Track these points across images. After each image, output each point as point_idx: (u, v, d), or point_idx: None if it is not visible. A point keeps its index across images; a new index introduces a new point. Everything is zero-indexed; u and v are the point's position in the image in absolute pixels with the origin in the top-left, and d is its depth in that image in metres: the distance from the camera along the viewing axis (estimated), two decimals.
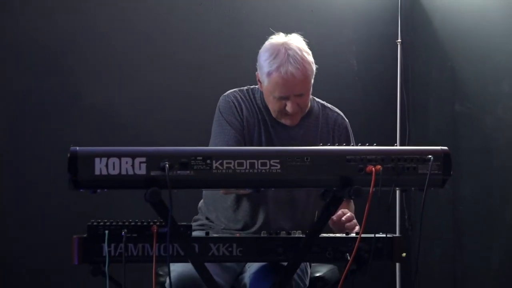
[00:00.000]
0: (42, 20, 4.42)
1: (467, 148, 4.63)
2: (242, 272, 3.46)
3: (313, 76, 3.47)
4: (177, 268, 3.12)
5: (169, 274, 2.97)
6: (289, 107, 3.42)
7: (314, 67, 3.46)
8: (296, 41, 3.46)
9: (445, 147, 2.95)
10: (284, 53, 3.38)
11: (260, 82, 3.50)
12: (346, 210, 3.24)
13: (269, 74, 3.40)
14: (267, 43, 3.48)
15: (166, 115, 4.56)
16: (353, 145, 3.44)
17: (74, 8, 4.47)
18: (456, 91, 4.78)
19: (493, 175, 4.51)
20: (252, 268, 3.36)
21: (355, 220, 3.22)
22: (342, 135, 3.56)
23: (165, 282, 3.28)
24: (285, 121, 3.48)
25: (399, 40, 4.89)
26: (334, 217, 3.16)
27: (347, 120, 3.60)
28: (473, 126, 4.66)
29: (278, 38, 3.47)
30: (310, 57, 3.44)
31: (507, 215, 4.42)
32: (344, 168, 2.85)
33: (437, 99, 4.92)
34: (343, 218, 3.19)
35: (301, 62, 3.38)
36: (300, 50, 3.41)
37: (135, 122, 4.50)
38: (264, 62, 3.43)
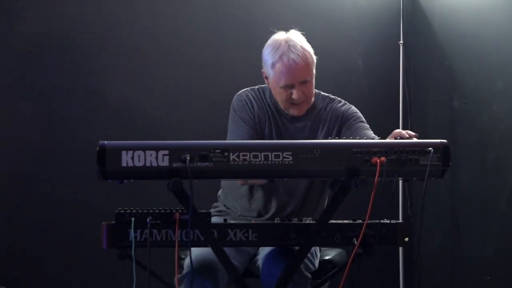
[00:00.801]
0: (70, 22, 4.42)
1: (464, 141, 4.63)
2: (256, 254, 3.47)
3: (314, 66, 3.49)
4: (194, 251, 3.13)
5: (190, 258, 2.98)
6: (295, 95, 3.43)
7: (314, 57, 3.48)
8: (296, 35, 3.49)
9: (444, 140, 2.95)
10: (285, 45, 3.42)
11: (266, 79, 3.52)
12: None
13: (273, 65, 3.42)
14: (269, 40, 3.51)
15: (186, 112, 4.56)
16: (367, 126, 3.48)
17: (100, 13, 4.47)
18: (454, 88, 4.78)
19: (488, 166, 4.51)
20: (265, 251, 3.37)
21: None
22: (351, 119, 3.54)
23: (183, 264, 3.28)
24: (293, 111, 3.49)
25: (401, 41, 4.88)
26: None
27: (353, 107, 3.59)
28: (469, 121, 4.65)
29: (278, 35, 3.50)
30: (309, 48, 3.47)
31: (501, 204, 4.42)
32: (351, 160, 2.86)
33: (436, 96, 4.91)
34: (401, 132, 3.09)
35: (302, 50, 3.41)
36: (299, 41, 3.45)
37: (158, 118, 4.50)
38: (268, 56, 3.46)
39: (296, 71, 3.41)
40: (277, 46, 3.44)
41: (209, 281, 3.21)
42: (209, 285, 3.20)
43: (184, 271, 3.21)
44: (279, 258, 3.25)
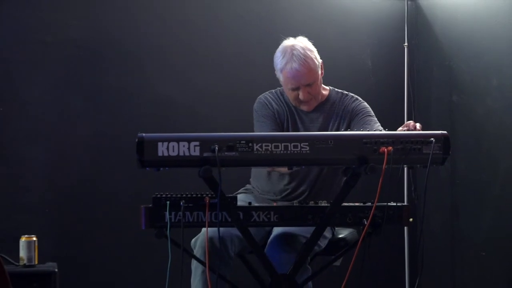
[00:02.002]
0: (109, 29, 4.43)
1: (462, 133, 4.61)
2: (270, 232, 3.49)
3: (319, 68, 3.53)
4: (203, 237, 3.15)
5: (219, 237, 3.00)
6: (301, 96, 3.49)
7: (318, 61, 3.52)
8: (301, 42, 3.54)
9: (445, 132, 2.96)
10: (290, 53, 3.48)
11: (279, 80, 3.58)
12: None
13: (281, 70, 3.50)
14: (279, 46, 3.56)
15: (215, 107, 4.57)
16: (375, 119, 3.48)
17: (134, 20, 4.48)
18: (453, 85, 4.75)
19: (484, 154, 4.49)
20: (272, 233, 3.39)
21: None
22: (360, 113, 3.56)
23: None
24: (303, 107, 3.56)
25: (405, 44, 4.87)
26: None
27: (365, 103, 3.61)
28: (467, 114, 4.63)
29: (287, 41, 3.56)
30: (312, 54, 3.51)
31: (495, 188, 4.40)
32: (361, 149, 2.87)
33: (437, 92, 4.89)
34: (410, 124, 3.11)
35: (304, 59, 3.45)
36: (303, 49, 3.48)
37: (190, 113, 4.51)
38: (276, 62, 3.53)
39: (299, 78, 3.47)
40: (283, 54, 3.51)
41: (221, 248, 3.23)
42: (220, 249, 3.21)
43: (199, 240, 3.23)
44: (281, 245, 3.30)
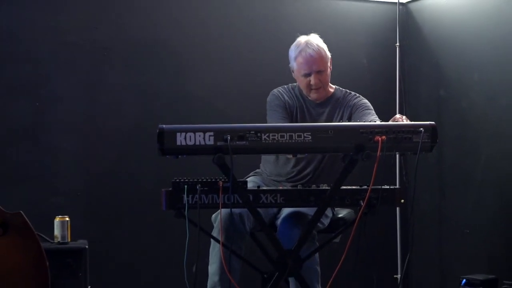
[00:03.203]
0: (136, 30, 4.43)
1: (448, 123, 4.60)
2: (277, 214, 3.50)
3: (329, 61, 3.58)
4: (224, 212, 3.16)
5: (231, 214, 3.00)
6: (312, 81, 3.53)
7: (328, 54, 3.59)
8: (314, 37, 3.66)
9: (432, 122, 2.95)
10: (304, 43, 3.56)
11: (293, 72, 3.62)
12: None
13: (295, 58, 3.56)
14: (295, 41, 3.63)
15: (227, 101, 4.56)
16: (373, 113, 3.48)
17: (163, 24, 4.48)
18: (440, 80, 4.74)
19: (467, 143, 4.48)
20: (283, 213, 3.40)
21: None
22: (360, 108, 3.59)
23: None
24: (313, 96, 3.59)
25: (397, 44, 4.85)
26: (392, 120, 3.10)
27: (365, 100, 3.65)
28: (452, 106, 4.62)
29: (301, 37, 3.62)
30: (324, 47, 3.62)
31: (477, 173, 4.39)
32: (358, 138, 2.87)
33: (426, 87, 4.88)
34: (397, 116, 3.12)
35: (317, 47, 3.54)
36: (316, 41, 3.61)
37: (206, 106, 4.51)
38: (292, 52, 3.59)
39: (312, 62, 3.51)
40: (298, 44, 3.59)
41: (239, 223, 3.28)
42: (238, 223, 3.27)
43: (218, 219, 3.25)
44: (292, 221, 3.29)
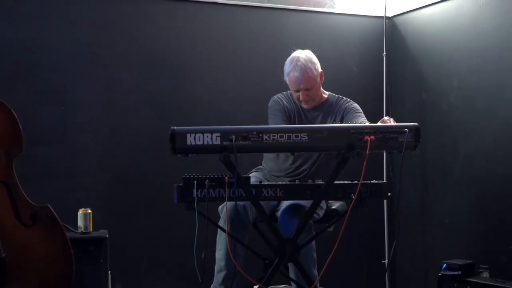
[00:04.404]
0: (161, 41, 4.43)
1: (430, 124, 4.59)
2: (277, 206, 3.50)
3: (318, 77, 3.56)
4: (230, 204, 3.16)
5: (236, 206, 2.99)
6: (300, 96, 3.56)
7: (316, 72, 3.56)
8: (306, 55, 3.60)
9: (416, 123, 2.95)
10: (294, 63, 3.54)
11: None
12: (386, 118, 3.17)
13: (287, 75, 3.57)
14: (290, 55, 3.61)
15: (232, 105, 4.56)
16: (362, 115, 3.49)
17: (174, 37, 4.47)
18: (422, 86, 4.74)
19: (447, 142, 4.47)
20: (283, 206, 3.40)
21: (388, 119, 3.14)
22: (351, 111, 3.59)
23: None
24: (304, 105, 3.63)
25: (384, 53, 4.85)
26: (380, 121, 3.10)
27: (356, 104, 3.65)
28: (434, 109, 4.61)
29: (295, 53, 3.63)
30: (312, 65, 3.53)
31: (456, 170, 4.39)
32: (349, 138, 2.87)
33: (410, 91, 4.87)
34: (385, 118, 3.13)
35: (304, 69, 3.50)
36: (305, 61, 3.52)
37: (213, 110, 4.50)
38: (285, 68, 3.59)
39: (298, 83, 3.53)
40: (290, 62, 3.58)
41: (243, 213, 3.29)
42: (242, 214, 3.28)
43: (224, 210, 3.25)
44: (291, 213, 3.29)
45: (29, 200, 3.13)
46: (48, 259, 3.12)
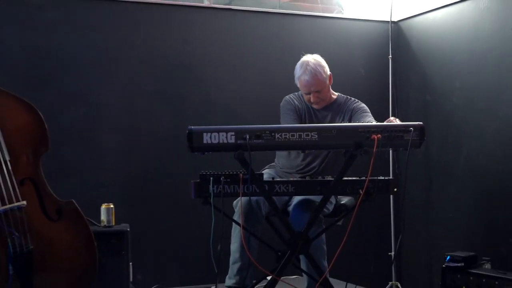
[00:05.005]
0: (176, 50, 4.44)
1: (434, 123, 4.58)
2: (289, 201, 3.49)
3: (327, 79, 3.53)
4: (244, 199, 3.16)
5: (250, 201, 2.99)
6: (312, 99, 3.54)
7: (325, 74, 3.53)
8: (315, 59, 3.57)
9: (421, 123, 2.94)
10: (304, 67, 3.50)
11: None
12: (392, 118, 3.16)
13: (298, 79, 3.54)
14: (300, 59, 3.58)
15: (247, 106, 4.56)
16: (369, 115, 3.47)
17: (190, 43, 4.48)
18: (426, 87, 4.72)
19: (450, 140, 4.46)
20: (294, 201, 3.39)
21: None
22: (359, 111, 3.57)
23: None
24: (314, 106, 3.61)
25: (390, 56, 4.81)
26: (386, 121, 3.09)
27: (363, 104, 3.63)
28: (437, 109, 4.60)
29: (305, 57, 3.59)
30: (321, 69, 3.51)
31: (459, 166, 4.38)
32: (357, 137, 2.86)
33: (414, 92, 4.86)
34: (391, 118, 3.12)
35: (314, 72, 3.47)
36: (315, 65, 3.50)
37: (228, 110, 4.51)
38: (296, 72, 3.56)
39: (308, 86, 3.50)
40: (300, 67, 3.54)
41: (257, 208, 3.27)
42: (256, 209, 3.26)
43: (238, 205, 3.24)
44: (302, 207, 3.28)
45: (55, 195, 3.15)
46: (72, 251, 3.13)
